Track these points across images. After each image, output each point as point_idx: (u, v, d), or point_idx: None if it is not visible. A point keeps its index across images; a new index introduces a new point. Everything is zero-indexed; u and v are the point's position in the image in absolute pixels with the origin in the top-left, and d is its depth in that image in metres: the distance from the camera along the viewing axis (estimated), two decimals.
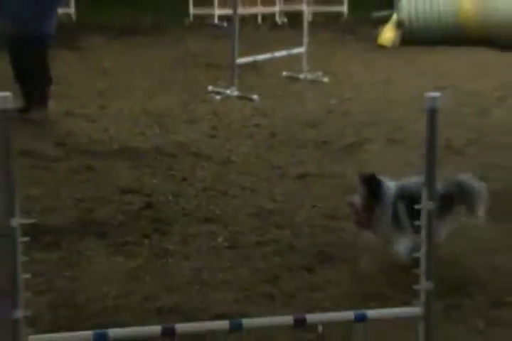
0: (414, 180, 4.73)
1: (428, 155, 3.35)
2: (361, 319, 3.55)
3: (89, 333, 3.33)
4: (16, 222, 2.99)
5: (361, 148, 7.69)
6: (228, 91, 9.98)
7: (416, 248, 4.24)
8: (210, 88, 10.17)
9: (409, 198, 4.54)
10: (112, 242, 5.19)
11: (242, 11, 12.50)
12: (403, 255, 4.60)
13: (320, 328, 3.96)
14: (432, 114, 3.28)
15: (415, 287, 3.49)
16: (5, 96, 2.92)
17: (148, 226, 5.48)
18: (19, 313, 3.02)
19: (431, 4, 13.94)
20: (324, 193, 6.18)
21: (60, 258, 4.90)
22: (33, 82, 8.60)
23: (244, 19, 13.36)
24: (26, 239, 3.05)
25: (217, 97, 9.90)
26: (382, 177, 4.82)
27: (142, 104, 9.40)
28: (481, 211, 4.77)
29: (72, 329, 3.82)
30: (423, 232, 3.51)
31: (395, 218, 4.68)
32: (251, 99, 9.73)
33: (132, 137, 7.93)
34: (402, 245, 4.64)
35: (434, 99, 3.27)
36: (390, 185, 4.77)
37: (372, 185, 4.69)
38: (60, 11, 10.61)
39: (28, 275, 3.06)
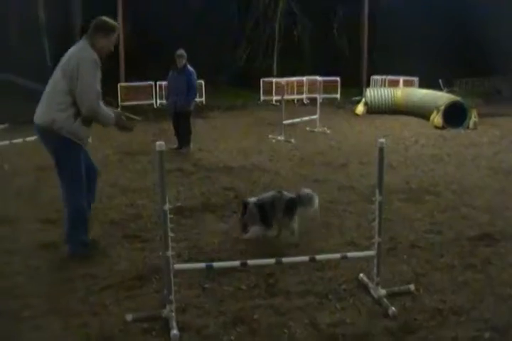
0: (266, 194, 4.37)
1: (379, 169, 3.22)
2: (346, 257, 3.43)
3: (203, 264, 3.29)
4: (166, 206, 2.94)
5: (347, 166, 7.43)
6: (279, 138, 9.79)
7: (262, 232, 4.20)
8: (270, 136, 10.01)
9: (261, 205, 4.22)
10: (217, 215, 5.11)
11: (286, 96, 12.31)
12: (254, 235, 4.23)
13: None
14: (381, 149, 3.19)
15: (372, 240, 3.32)
16: (161, 143, 2.88)
17: (236, 206, 5.35)
18: (169, 252, 2.98)
19: (381, 94, 13.81)
20: (327, 189, 6.01)
21: (191, 224, 4.83)
22: (183, 134, 8.63)
23: (287, 101, 13.17)
24: (171, 216, 2.98)
25: (273, 140, 9.71)
26: (248, 199, 4.35)
27: (234, 144, 9.27)
28: (313, 209, 4.35)
29: (196, 261, 3.77)
30: (376, 212, 3.29)
31: (254, 216, 4.22)
32: (290, 142, 9.53)
33: (229, 160, 7.80)
34: (254, 229, 4.22)
35: (382, 142, 3.19)
36: (252, 200, 4.28)
37: (244, 205, 4.28)
38: (197, 99, 10.79)
39: (172, 234, 3.00)
